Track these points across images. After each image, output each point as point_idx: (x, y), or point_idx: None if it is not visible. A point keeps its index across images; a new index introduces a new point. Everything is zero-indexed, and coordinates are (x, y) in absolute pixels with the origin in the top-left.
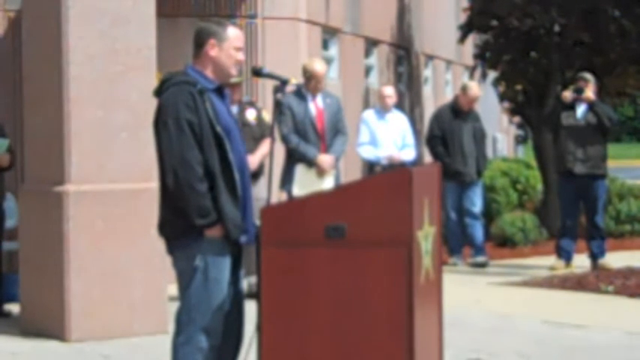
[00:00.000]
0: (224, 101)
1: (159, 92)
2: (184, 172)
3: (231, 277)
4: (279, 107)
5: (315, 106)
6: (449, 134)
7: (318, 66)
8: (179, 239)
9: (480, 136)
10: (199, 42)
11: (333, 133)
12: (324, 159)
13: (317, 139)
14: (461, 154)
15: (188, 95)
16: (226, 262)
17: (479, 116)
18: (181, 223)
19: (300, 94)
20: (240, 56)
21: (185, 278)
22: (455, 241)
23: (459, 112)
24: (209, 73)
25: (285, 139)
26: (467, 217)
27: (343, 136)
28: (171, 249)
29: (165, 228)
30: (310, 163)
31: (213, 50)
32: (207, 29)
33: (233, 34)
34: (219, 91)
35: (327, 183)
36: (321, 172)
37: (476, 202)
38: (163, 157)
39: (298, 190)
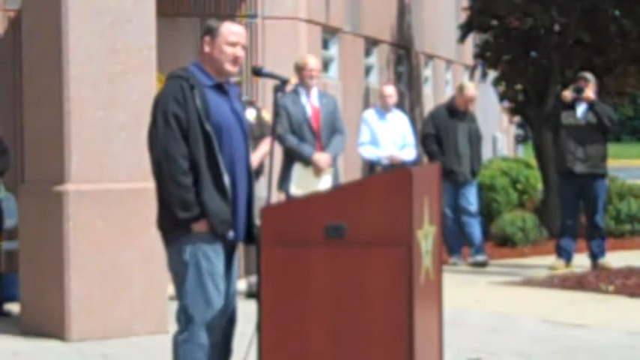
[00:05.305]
0: (228, 98)
1: None
2: (167, 165)
3: (224, 278)
4: (275, 107)
5: (311, 105)
6: (444, 133)
7: (308, 57)
8: (170, 234)
9: (475, 138)
10: (201, 39)
11: (329, 132)
12: (321, 157)
13: (313, 138)
14: (455, 154)
15: (178, 89)
16: (218, 256)
17: (475, 117)
18: (171, 217)
19: (296, 94)
20: (238, 52)
21: (178, 275)
22: (454, 241)
23: (455, 112)
24: (208, 69)
25: (281, 139)
26: (464, 216)
27: (341, 135)
28: (166, 243)
29: (160, 222)
30: (307, 161)
31: (207, 47)
32: (205, 26)
33: (226, 29)
34: (221, 87)
35: (325, 182)
36: (317, 171)
37: (472, 200)
38: (150, 150)
39: (295, 189)
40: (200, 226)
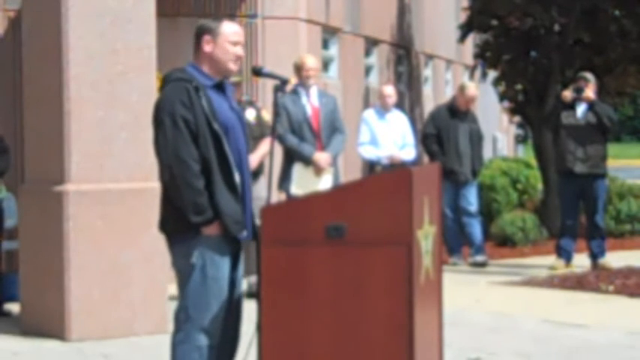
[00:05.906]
0: (226, 97)
1: (161, 90)
2: (179, 169)
3: (229, 277)
4: (275, 107)
5: (311, 105)
6: (444, 133)
7: (306, 57)
8: (178, 236)
9: (476, 138)
10: (196, 39)
11: (329, 131)
12: (321, 157)
13: (313, 138)
14: (456, 154)
15: (184, 92)
16: (225, 261)
17: (476, 118)
18: (180, 220)
19: (296, 93)
20: (239, 51)
21: (183, 276)
22: (454, 241)
23: (456, 111)
24: (207, 69)
25: (281, 139)
26: (464, 216)
27: (341, 135)
28: (171, 245)
29: (165, 224)
30: (307, 161)
31: (208, 46)
32: (202, 26)
33: (228, 29)
34: (220, 87)
35: (325, 181)
36: (318, 171)
37: (472, 201)
38: (160, 154)
39: (296, 189)
40: (211, 230)
